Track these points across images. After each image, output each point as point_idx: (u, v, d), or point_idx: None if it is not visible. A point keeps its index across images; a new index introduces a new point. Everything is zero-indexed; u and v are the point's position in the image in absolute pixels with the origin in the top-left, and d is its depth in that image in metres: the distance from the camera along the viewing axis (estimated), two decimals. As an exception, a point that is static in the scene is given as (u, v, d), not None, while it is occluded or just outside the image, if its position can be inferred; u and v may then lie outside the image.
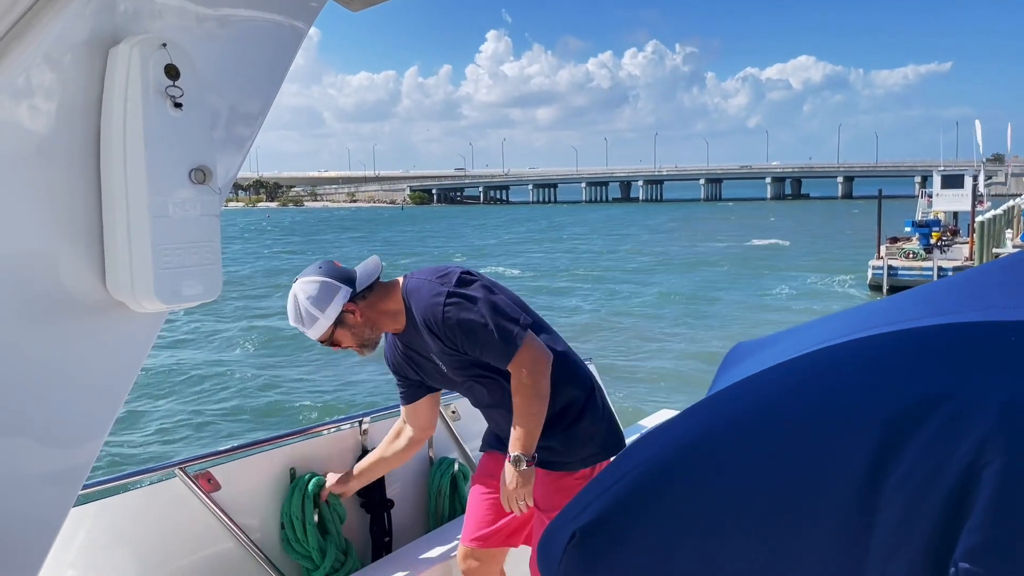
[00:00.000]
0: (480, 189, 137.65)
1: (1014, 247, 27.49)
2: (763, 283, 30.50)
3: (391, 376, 2.85)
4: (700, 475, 1.09)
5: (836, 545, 0.97)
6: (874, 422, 1.00)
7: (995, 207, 33.51)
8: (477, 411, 2.85)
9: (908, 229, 32.24)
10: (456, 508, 3.34)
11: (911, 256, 28.21)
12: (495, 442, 2.79)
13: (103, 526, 2.46)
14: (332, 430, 3.12)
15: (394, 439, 2.90)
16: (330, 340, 2.53)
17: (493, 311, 2.43)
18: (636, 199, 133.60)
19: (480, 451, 2.95)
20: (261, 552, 2.78)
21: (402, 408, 2.86)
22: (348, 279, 2.51)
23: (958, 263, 27.32)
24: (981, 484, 0.89)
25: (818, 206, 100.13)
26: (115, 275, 1.36)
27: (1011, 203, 36.72)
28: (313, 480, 2.88)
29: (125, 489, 2.54)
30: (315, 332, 2.50)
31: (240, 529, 2.72)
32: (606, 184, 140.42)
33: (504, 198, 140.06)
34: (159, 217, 1.34)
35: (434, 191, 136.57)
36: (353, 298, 2.50)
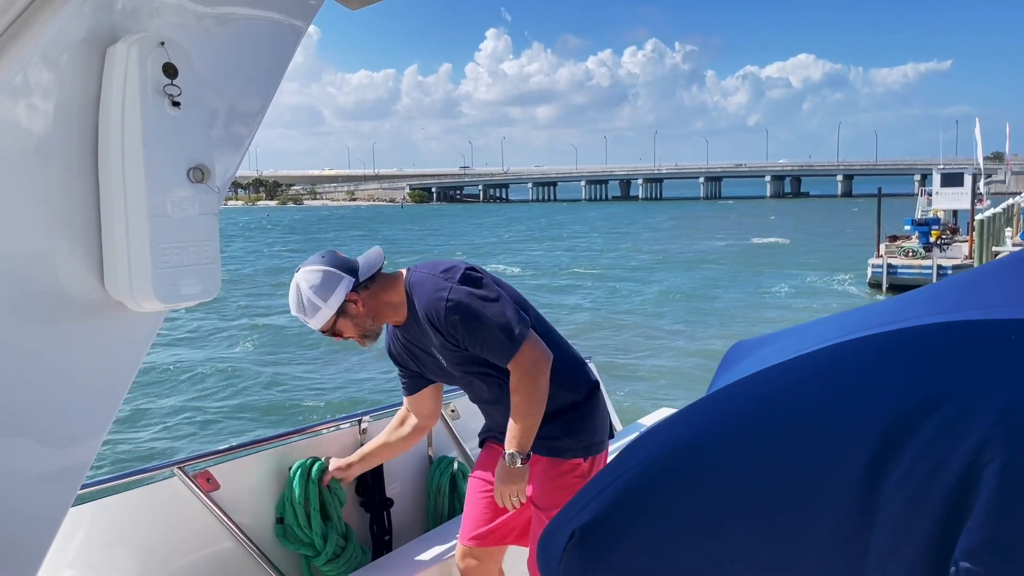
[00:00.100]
0: (480, 188, 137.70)
1: (1014, 245, 27.50)
2: (763, 281, 30.52)
3: (392, 375, 2.85)
4: (700, 474, 1.09)
5: (836, 544, 0.97)
6: (874, 421, 1.00)
7: (995, 205, 33.51)
8: (477, 410, 2.85)
9: (908, 227, 32.26)
10: (456, 507, 3.34)
11: (911, 254, 28.21)
12: (493, 440, 2.79)
13: (102, 526, 2.46)
14: (331, 429, 3.12)
15: (398, 426, 2.91)
16: (332, 330, 2.52)
17: (496, 309, 2.43)
18: (636, 197, 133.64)
19: (479, 448, 2.95)
20: (260, 551, 2.78)
21: (405, 399, 2.86)
22: (351, 269, 2.50)
23: (957, 261, 27.32)
24: (982, 483, 0.89)
25: (818, 204, 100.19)
26: (113, 274, 1.36)
27: (1010, 201, 36.79)
28: (316, 465, 2.88)
29: (124, 488, 2.53)
30: (317, 322, 2.48)
31: (239, 528, 2.72)
32: (606, 182, 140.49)
33: (504, 196, 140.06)
34: (157, 216, 1.33)
35: (433, 189, 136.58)
36: (356, 288, 2.49)
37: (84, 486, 2.19)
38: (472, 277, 2.49)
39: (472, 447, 3.45)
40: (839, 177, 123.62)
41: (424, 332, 2.54)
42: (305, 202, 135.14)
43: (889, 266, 27.48)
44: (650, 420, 4.43)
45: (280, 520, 2.85)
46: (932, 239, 29.52)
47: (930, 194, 38.93)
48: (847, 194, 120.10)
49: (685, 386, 14.55)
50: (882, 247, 29.33)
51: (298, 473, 2.85)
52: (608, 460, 2.62)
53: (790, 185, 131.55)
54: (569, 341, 2.77)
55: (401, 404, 2.96)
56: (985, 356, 1.04)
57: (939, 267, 26.50)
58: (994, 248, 26.68)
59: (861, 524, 0.95)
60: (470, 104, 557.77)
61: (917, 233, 30.31)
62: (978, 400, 0.96)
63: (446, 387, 2.95)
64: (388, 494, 3.18)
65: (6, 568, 1.40)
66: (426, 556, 3.01)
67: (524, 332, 2.45)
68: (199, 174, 1.37)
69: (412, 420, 2.88)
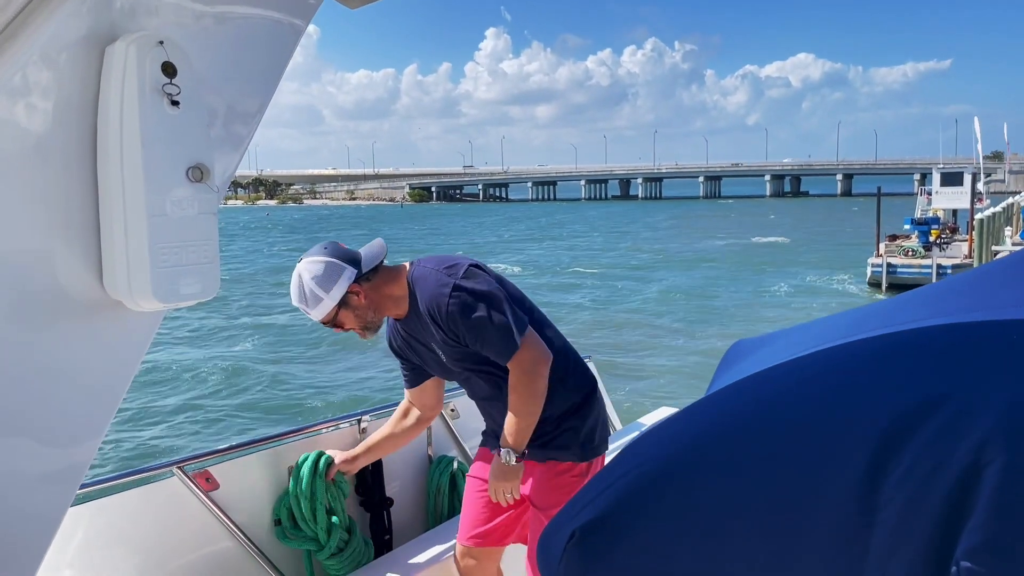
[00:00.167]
0: (479, 187, 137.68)
1: (1013, 245, 27.50)
2: (763, 280, 30.53)
3: (393, 374, 2.85)
4: (700, 474, 1.09)
5: (836, 545, 0.97)
6: (875, 421, 0.99)
7: (994, 204, 33.49)
8: (476, 410, 2.85)
9: (907, 227, 32.25)
10: (455, 506, 3.33)
11: (910, 254, 28.20)
12: (491, 438, 2.79)
13: (101, 525, 2.46)
14: (331, 428, 3.11)
15: (402, 418, 2.90)
16: (333, 321, 2.51)
17: (497, 307, 2.42)
18: (635, 197, 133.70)
19: (480, 447, 2.95)
20: (259, 551, 2.78)
21: (407, 391, 2.86)
22: (353, 260, 2.49)
23: (957, 261, 27.31)
24: (983, 483, 0.89)
25: (817, 204, 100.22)
26: (112, 274, 1.36)
27: (1010, 200, 36.76)
28: (323, 458, 2.87)
29: (123, 488, 2.53)
30: (319, 313, 2.47)
31: (238, 528, 2.72)
32: (605, 182, 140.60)
33: (503, 196, 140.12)
34: (156, 216, 1.33)
35: (433, 189, 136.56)
36: (358, 279, 2.48)
37: (83, 486, 2.19)
38: (476, 274, 2.48)
39: (472, 447, 3.45)
40: (839, 176, 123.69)
41: (425, 326, 2.53)
42: (305, 201, 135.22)
43: (889, 265, 27.47)
44: (650, 419, 4.43)
45: (278, 522, 2.85)
46: (932, 238, 29.52)
47: (930, 193, 38.91)
48: (847, 193, 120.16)
49: (685, 385, 14.56)
50: (882, 246, 29.32)
51: (306, 466, 2.83)
52: (608, 460, 2.62)
53: (790, 184, 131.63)
54: (570, 340, 2.76)
55: (400, 404, 2.96)
56: (985, 356, 1.04)
57: (939, 266, 26.50)
58: (994, 247, 26.67)
59: (861, 524, 0.95)
60: (470, 103, 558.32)
61: (917, 232, 30.31)
62: (979, 400, 0.96)
63: (446, 386, 2.95)
64: (388, 493, 3.18)
65: (5, 568, 1.40)
66: (426, 555, 3.01)
67: (525, 331, 2.45)
68: (198, 173, 1.37)
69: (415, 412, 2.88)
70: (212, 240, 1.43)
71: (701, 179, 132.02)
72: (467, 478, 2.91)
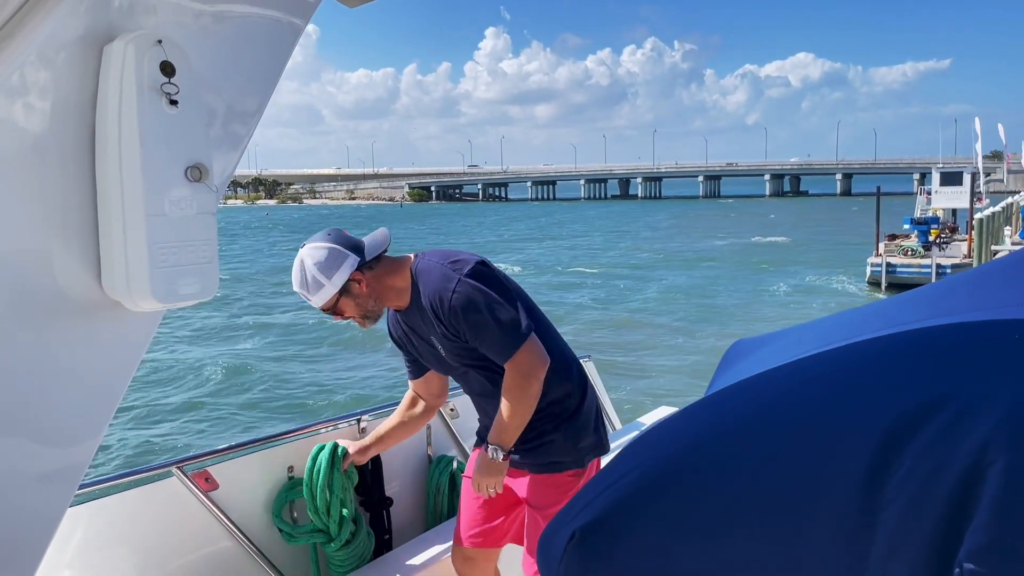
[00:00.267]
0: (479, 187, 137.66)
1: (1013, 244, 27.48)
2: (763, 280, 30.53)
3: (394, 374, 2.86)
4: (701, 475, 1.09)
5: (838, 545, 0.96)
6: (877, 422, 0.99)
7: (994, 204, 33.47)
8: (476, 410, 2.84)
9: (907, 226, 32.23)
10: (455, 506, 3.33)
11: (910, 253, 28.18)
12: (484, 435, 2.79)
13: (100, 526, 2.46)
14: (330, 428, 3.11)
15: (409, 407, 2.90)
16: (333, 309, 2.49)
17: (501, 306, 2.41)
18: (635, 196, 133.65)
19: (474, 447, 2.95)
20: (259, 551, 2.77)
21: (411, 383, 2.86)
22: (356, 248, 2.48)
23: (957, 260, 27.30)
24: (986, 484, 0.88)
25: (817, 203, 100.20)
26: (111, 274, 1.35)
27: (1010, 200, 36.71)
28: (339, 449, 2.85)
29: (122, 488, 2.53)
30: (319, 299, 2.46)
31: (238, 528, 2.71)
32: (605, 181, 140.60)
33: (503, 196, 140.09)
34: (155, 215, 1.32)
35: (433, 188, 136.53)
36: (360, 267, 2.46)
37: (82, 486, 2.18)
38: (481, 272, 2.46)
39: (471, 447, 3.45)
40: (838, 176, 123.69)
41: (426, 320, 2.51)
42: (305, 201, 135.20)
43: (888, 265, 27.44)
44: (650, 419, 4.43)
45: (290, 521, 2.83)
46: (931, 238, 29.47)
47: (929, 193, 38.87)
48: (846, 193, 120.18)
49: (685, 384, 14.55)
50: (881, 246, 29.28)
51: (323, 457, 2.82)
52: (608, 460, 2.62)
53: (789, 184, 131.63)
54: (569, 339, 2.76)
55: (399, 403, 2.96)
56: (987, 356, 1.04)
57: (938, 266, 26.48)
58: (993, 247, 26.63)
59: (862, 525, 0.94)
60: (469, 103, 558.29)
61: (916, 232, 30.27)
62: (980, 400, 0.95)
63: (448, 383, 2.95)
64: (387, 493, 3.17)
65: (4, 569, 1.39)
66: (425, 555, 3.00)
67: (525, 334, 2.43)
68: (197, 173, 1.36)
69: (422, 401, 2.89)
70: (211, 240, 1.42)
71: (701, 179, 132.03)
72: (464, 479, 2.91)
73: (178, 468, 2.58)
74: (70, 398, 1.41)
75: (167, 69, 1.30)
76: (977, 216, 27.72)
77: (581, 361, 2.81)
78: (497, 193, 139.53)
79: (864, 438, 0.98)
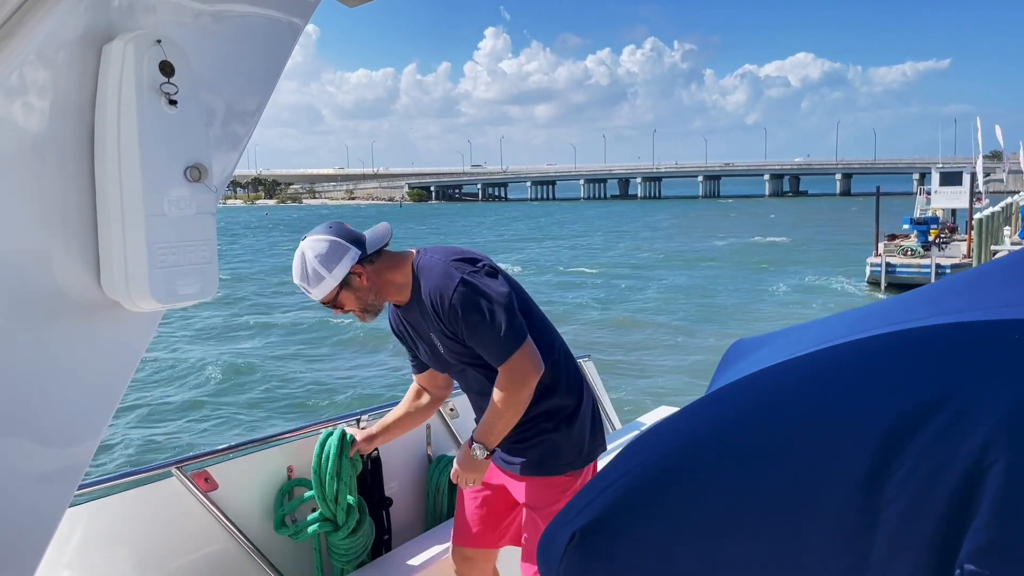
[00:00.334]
0: (478, 186, 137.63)
1: (1012, 244, 27.48)
2: (763, 280, 30.52)
3: (395, 373, 2.86)
4: (701, 475, 1.09)
5: (838, 545, 0.96)
6: (876, 422, 0.99)
7: (993, 204, 33.47)
8: (474, 409, 2.84)
9: (906, 226, 32.22)
10: (454, 506, 3.33)
11: (909, 253, 28.16)
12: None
13: (99, 526, 2.46)
14: (330, 428, 3.10)
15: (416, 397, 2.90)
16: (333, 302, 2.48)
17: (500, 309, 2.39)
18: (635, 196, 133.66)
19: None
20: (259, 551, 2.77)
21: (416, 377, 2.86)
22: (358, 241, 2.47)
23: (956, 260, 27.29)
24: (987, 484, 0.88)
25: (817, 203, 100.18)
26: (110, 274, 1.35)
27: (1009, 200, 36.70)
28: (347, 436, 2.85)
29: (122, 489, 2.52)
30: (320, 292, 2.44)
31: (237, 528, 2.71)
32: (604, 181, 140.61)
33: (503, 195, 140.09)
34: (154, 215, 1.32)
35: (432, 188, 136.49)
36: (361, 261, 2.45)
37: (82, 486, 2.18)
38: (484, 271, 2.45)
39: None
40: (838, 176, 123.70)
41: (426, 316, 2.50)
42: (304, 201, 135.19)
43: (888, 265, 27.43)
44: (650, 418, 4.43)
45: (283, 522, 2.83)
46: (931, 238, 29.46)
47: (929, 193, 38.85)
48: (846, 193, 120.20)
49: (685, 384, 14.55)
50: (881, 246, 29.27)
51: (331, 443, 2.81)
52: (607, 460, 2.61)
53: (789, 184, 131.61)
54: (569, 339, 2.75)
55: (399, 403, 2.95)
56: (987, 357, 1.04)
57: (938, 266, 26.46)
58: (993, 247, 26.63)
59: (863, 525, 0.94)
60: (469, 103, 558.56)
61: (916, 232, 30.26)
62: (981, 401, 0.95)
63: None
64: (387, 493, 3.17)
65: (4, 569, 1.39)
66: (425, 555, 3.00)
67: (522, 339, 2.41)
68: (196, 173, 1.36)
69: (427, 394, 2.89)
70: (211, 240, 1.42)
71: (700, 179, 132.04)
72: None
73: (178, 468, 2.58)
74: (70, 398, 1.41)
75: (166, 69, 1.30)
76: (977, 216, 27.72)
77: (581, 361, 2.80)
78: (497, 193, 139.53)
79: (864, 438, 0.98)
